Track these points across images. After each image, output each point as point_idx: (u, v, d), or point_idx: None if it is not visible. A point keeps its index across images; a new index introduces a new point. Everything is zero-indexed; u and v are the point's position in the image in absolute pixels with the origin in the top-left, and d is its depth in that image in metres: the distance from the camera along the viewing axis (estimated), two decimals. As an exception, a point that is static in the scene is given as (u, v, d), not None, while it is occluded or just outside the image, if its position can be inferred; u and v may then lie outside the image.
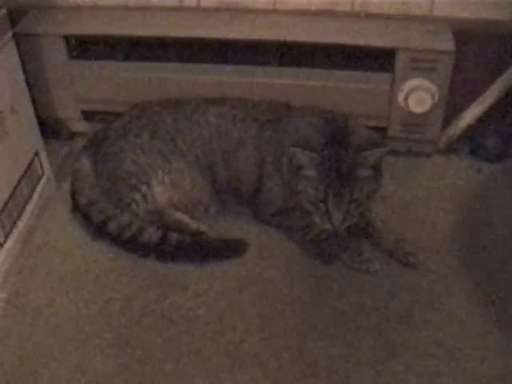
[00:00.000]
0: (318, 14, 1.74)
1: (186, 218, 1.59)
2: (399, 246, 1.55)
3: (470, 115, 1.77)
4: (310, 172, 1.44)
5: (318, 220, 1.47)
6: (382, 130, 1.75)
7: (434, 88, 1.66)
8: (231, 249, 1.55)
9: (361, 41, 1.64)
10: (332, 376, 1.32)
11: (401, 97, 1.69)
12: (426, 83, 1.65)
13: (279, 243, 1.61)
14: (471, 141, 1.84)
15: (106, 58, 1.78)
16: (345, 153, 1.42)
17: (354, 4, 1.72)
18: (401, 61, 1.64)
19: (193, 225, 1.58)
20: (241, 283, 1.51)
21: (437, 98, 1.67)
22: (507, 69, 1.72)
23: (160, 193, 1.60)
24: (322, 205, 1.44)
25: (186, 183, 1.62)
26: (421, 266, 1.53)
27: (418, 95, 1.66)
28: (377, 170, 1.45)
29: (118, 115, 1.70)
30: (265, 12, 1.76)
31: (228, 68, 1.71)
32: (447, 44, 1.63)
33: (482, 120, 1.79)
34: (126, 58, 1.79)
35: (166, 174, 1.60)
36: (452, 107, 1.75)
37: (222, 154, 1.60)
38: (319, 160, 1.42)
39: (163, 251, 1.52)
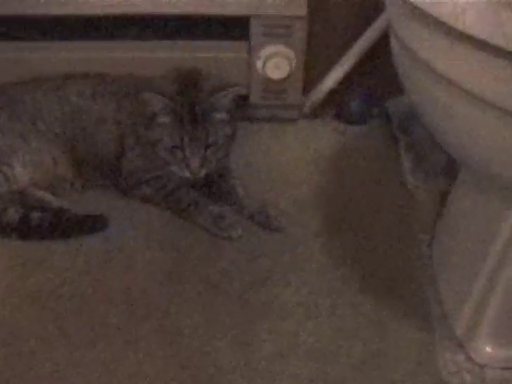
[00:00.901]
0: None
1: (48, 196, 1.58)
2: (261, 210, 1.58)
3: (331, 79, 1.81)
4: (164, 119, 1.46)
5: (175, 169, 1.50)
6: (243, 98, 1.77)
7: (290, 53, 1.69)
8: (93, 224, 1.54)
9: (212, 10, 1.64)
10: (194, 342, 1.34)
11: (259, 64, 1.72)
12: (283, 49, 1.68)
13: (141, 216, 1.61)
14: (336, 104, 1.88)
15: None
16: (198, 97, 1.45)
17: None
18: (255, 28, 1.67)
19: (55, 202, 1.57)
20: (104, 257, 1.50)
21: (294, 63, 1.70)
22: (364, 31, 1.76)
23: (21, 173, 1.58)
24: (178, 151, 1.47)
25: (47, 162, 1.60)
26: (283, 230, 1.56)
27: (275, 61, 1.69)
28: (231, 113, 1.49)
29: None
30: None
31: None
32: (300, 9, 1.65)
33: (346, 83, 1.83)
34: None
35: (26, 154, 1.58)
36: (315, 72, 1.79)
37: (83, 131, 1.60)
38: (172, 105, 1.45)
39: (25, 230, 1.51)
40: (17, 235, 1.52)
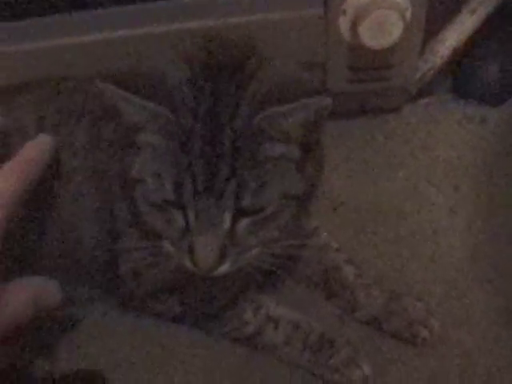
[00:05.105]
0: None
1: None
2: (392, 310, 0.84)
3: (454, 35, 1.04)
4: (153, 138, 0.65)
5: (169, 248, 0.69)
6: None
7: (403, 3, 0.89)
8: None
9: None
10: None
11: (344, 24, 0.92)
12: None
13: (172, 345, 0.86)
14: (458, 76, 1.11)
15: None
16: (233, 106, 0.63)
17: None
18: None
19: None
20: None
21: (409, 16, 0.91)
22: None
23: None
24: (177, 212, 0.66)
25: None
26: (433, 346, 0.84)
27: (376, 19, 0.89)
28: (306, 144, 0.67)
29: None
30: None
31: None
32: None
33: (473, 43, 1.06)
34: None
35: None
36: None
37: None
38: (172, 118, 0.63)
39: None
40: None
